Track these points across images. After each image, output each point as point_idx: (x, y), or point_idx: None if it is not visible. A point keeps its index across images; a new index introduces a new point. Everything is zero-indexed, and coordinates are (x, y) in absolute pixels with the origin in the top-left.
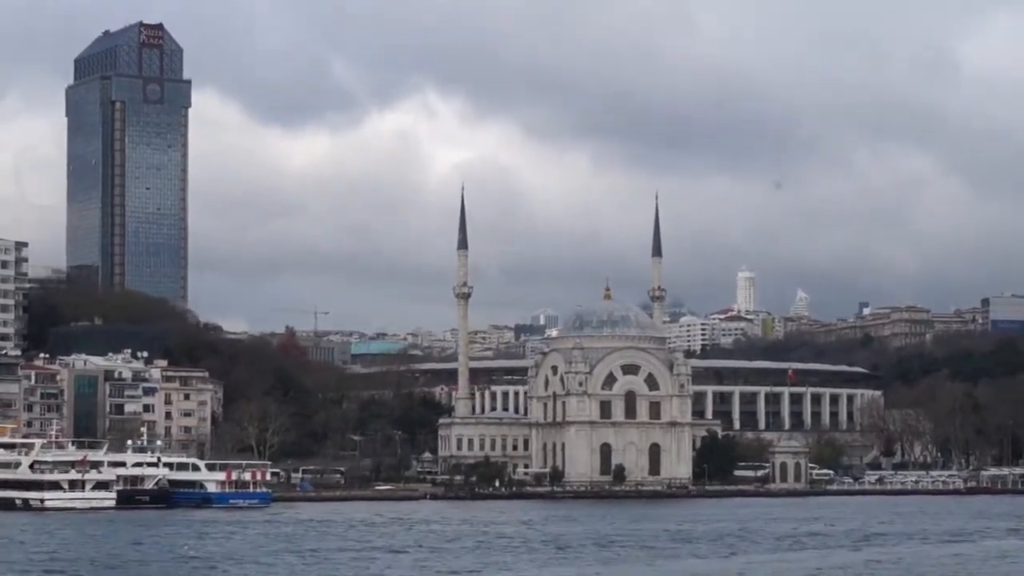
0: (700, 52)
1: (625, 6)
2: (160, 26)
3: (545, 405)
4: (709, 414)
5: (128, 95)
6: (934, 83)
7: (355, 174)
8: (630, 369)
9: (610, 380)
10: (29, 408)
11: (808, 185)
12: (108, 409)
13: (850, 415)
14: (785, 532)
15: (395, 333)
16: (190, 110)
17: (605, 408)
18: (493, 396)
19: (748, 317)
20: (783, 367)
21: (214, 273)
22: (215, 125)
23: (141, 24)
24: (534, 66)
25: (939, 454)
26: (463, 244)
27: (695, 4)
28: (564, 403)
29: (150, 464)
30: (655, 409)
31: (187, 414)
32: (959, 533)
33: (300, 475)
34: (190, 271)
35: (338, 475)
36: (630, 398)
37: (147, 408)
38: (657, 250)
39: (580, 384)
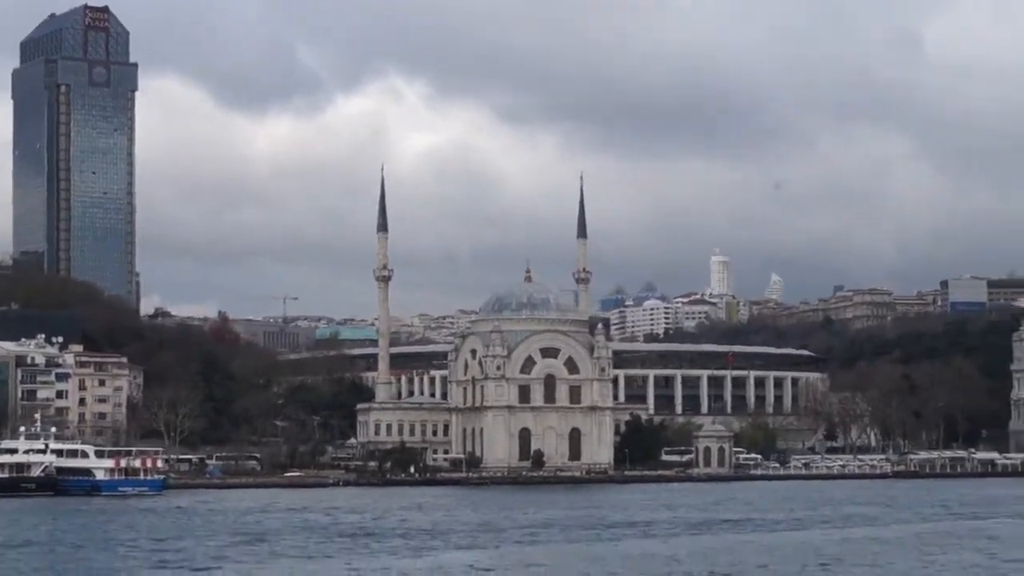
0: (670, 35)
1: None
2: (106, 9)
3: (465, 390)
4: (650, 399)
5: (73, 78)
6: (902, 65)
7: (322, 159)
8: (549, 352)
9: (529, 364)
10: None
11: (780, 168)
12: (20, 395)
13: (795, 399)
14: (620, 520)
15: (363, 319)
16: (137, 93)
17: (524, 392)
18: (432, 381)
19: (712, 301)
20: (728, 351)
21: (182, 259)
22: (176, 109)
23: (86, 7)
24: (502, 49)
25: (880, 438)
26: (383, 227)
27: None
28: (482, 388)
29: (37, 451)
30: (575, 393)
31: (102, 400)
32: (795, 521)
33: (209, 461)
34: (141, 256)
35: (253, 461)
36: (549, 382)
37: (60, 394)
38: (582, 232)
39: (498, 368)
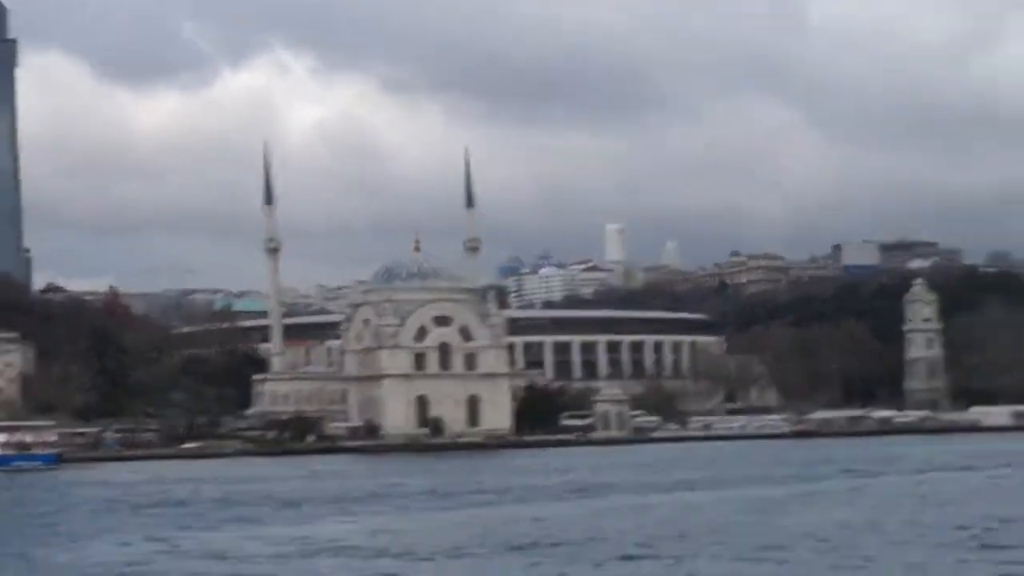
0: (551, 5)
1: None
2: None
3: (360, 359)
4: (549, 366)
5: None
6: (785, 34)
7: (211, 133)
8: (442, 321)
9: (423, 333)
10: None
11: (667, 139)
12: None
13: (693, 363)
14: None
15: (259, 291)
16: (18, 70)
17: (420, 361)
18: (328, 352)
19: (608, 268)
20: (630, 317)
21: (74, 234)
22: (59, 86)
23: None
24: (385, 21)
25: (780, 399)
26: (268, 199)
27: None
28: (377, 356)
29: None
30: (471, 360)
31: None
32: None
33: (107, 434)
34: (30, 232)
35: (151, 434)
36: (444, 350)
37: None
38: (470, 201)
39: (392, 336)
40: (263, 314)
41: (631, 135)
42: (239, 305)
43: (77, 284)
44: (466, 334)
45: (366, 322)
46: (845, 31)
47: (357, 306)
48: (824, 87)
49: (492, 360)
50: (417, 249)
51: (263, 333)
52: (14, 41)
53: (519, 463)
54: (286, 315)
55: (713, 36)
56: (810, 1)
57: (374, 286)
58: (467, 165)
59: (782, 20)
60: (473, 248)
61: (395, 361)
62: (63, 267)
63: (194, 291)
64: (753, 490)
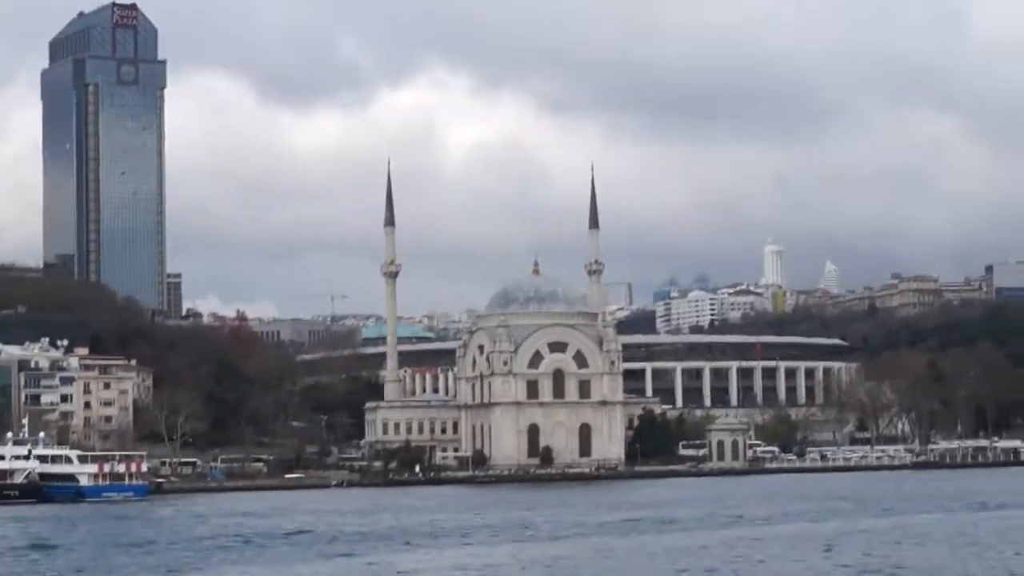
0: (709, 19)
1: None
2: (134, 6)
3: (473, 386)
4: (678, 392)
5: (102, 77)
6: (947, 45)
7: (369, 153)
8: (557, 347)
9: (537, 359)
10: None
11: (829, 153)
12: (24, 400)
13: (827, 389)
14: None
15: (411, 316)
16: (167, 91)
17: (532, 388)
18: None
19: (758, 291)
20: (756, 342)
21: (233, 258)
22: (211, 106)
23: (114, 4)
24: (543, 39)
25: (911, 427)
26: (390, 221)
27: None
28: (490, 384)
29: (19, 457)
30: (585, 388)
31: (107, 403)
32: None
33: (215, 464)
34: (183, 256)
35: (260, 463)
36: (558, 377)
37: (64, 398)
38: (594, 222)
39: (505, 363)
40: (408, 340)
41: (794, 152)
42: (372, 331)
43: (235, 308)
44: (581, 360)
45: (480, 348)
46: (1004, 40)
47: (473, 331)
48: (986, 97)
49: (606, 388)
50: (536, 272)
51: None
52: (164, 63)
53: (607, 496)
54: (420, 341)
55: (875, 49)
56: (971, 10)
57: (490, 311)
58: (592, 185)
59: (943, 30)
60: (595, 271)
61: (507, 389)
62: (224, 291)
63: (345, 316)
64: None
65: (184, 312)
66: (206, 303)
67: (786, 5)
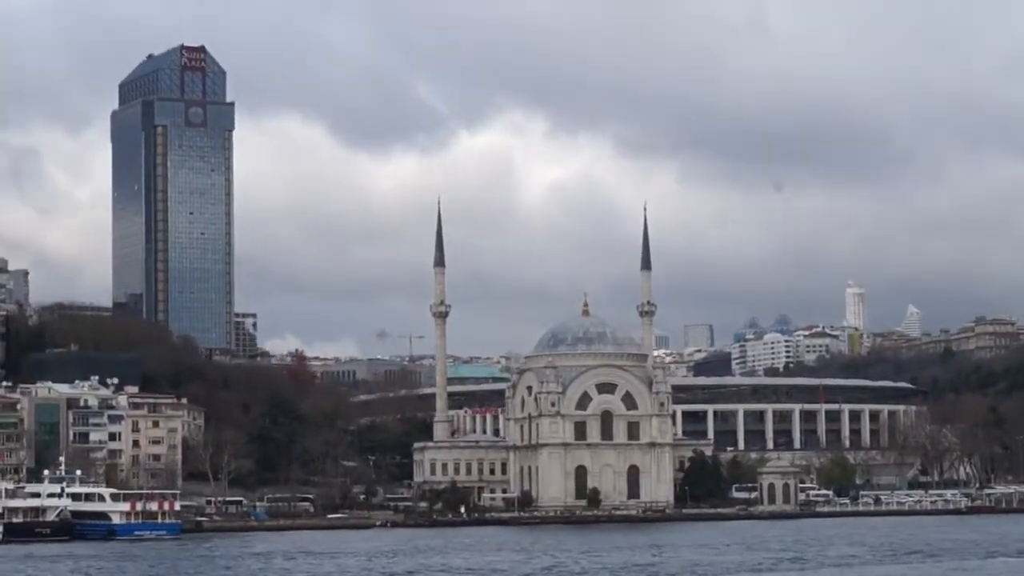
0: (782, 63)
1: (706, 21)
2: (202, 48)
3: (521, 427)
4: (740, 434)
5: (170, 119)
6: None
7: (447, 195)
8: (606, 388)
9: (585, 400)
10: None
11: (909, 198)
12: (71, 438)
13: (891, 433)
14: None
15: (489, 356)
16: (235, 132)
17: (580, 429)
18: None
19: (834, 333)
20: (819, 384)
21: (306, 298)
22: (279, 148)
23: (183, 47)
24: (618, 81)
25: (973, 471)
26: (440, 262)
27: (772, 14)
28: (538, 425)
29: (53, 495)
30: (633, 429)
31: (155, 442)
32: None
33: (259, 503)
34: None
35: (306, 503)
36: (606, 418)
37: (113, 436)
38: (646, 263)
39: (553, 404)
40: (485, 380)
41: (872, 195)
42: (464, 371)
43: (320, 349)
44: (629, 402)
45: (529, 389)
46: None
47: (522, 372)
48: None
49: (655, 429)
50: (586, 313)
51: (454, 400)
52: (232, 104)
53: (644, 538)
54: (496, 381)
55: (950, 91)
56: None
57: (538, 352)
58: (645, 226)
59: (1019, 73)
60: (647, 312)
61: (555, 430)
62: (303, 331)
63: (423, 357)
64: None
65: (253, 352)
66: (284, 343)
67: (862, 49)
